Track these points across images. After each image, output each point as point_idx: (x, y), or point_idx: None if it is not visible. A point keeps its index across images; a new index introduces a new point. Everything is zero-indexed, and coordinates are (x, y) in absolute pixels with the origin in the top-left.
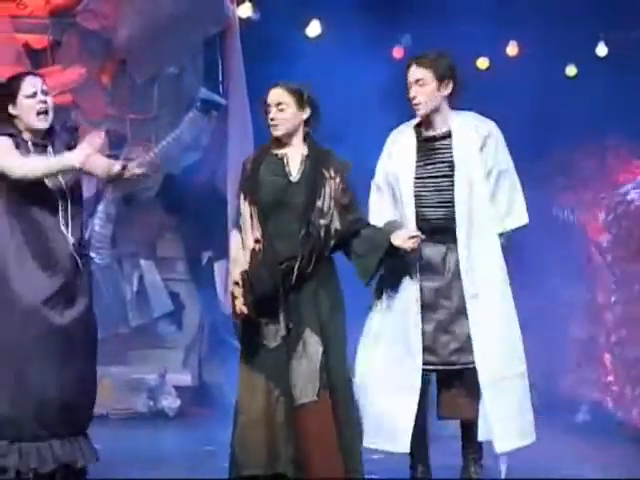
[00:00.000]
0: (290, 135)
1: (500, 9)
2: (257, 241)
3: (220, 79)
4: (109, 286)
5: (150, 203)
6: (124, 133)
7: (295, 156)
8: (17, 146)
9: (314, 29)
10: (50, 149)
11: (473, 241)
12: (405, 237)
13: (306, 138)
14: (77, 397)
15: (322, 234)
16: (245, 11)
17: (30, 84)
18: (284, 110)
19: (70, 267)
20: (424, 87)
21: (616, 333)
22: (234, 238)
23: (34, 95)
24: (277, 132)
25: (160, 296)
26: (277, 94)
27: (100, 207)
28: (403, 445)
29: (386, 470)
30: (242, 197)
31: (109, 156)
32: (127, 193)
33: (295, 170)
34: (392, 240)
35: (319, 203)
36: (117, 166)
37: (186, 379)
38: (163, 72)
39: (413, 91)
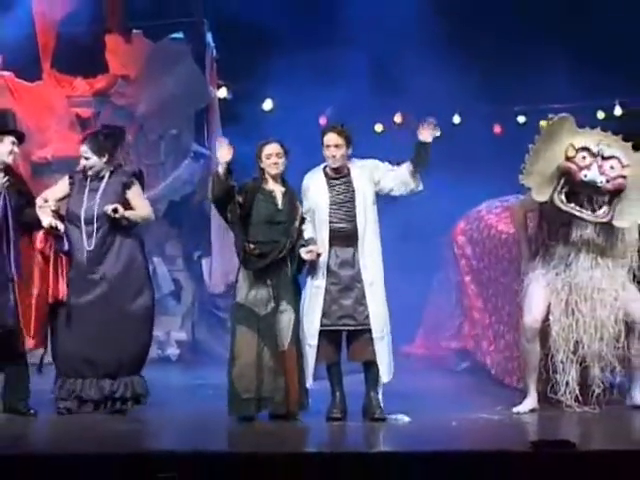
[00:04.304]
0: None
1: (389, 90)
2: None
3: (206, 137)
4: None
5: (159, 219)
6: None
7: (278, 192)
8: (72, 182)
9: (268, 105)
10: (102, 183)
11: (367, 244)
12: (305, 251)
13: (281, 180)
14: (97, 353)
15: (294, 241)
16: (222, 93)
17: (81, 150)
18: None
19: (83, 265)
20: (341, 149)
21: (472, 301)
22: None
23: (80, 157)
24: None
25: (166, 280)
26: (276, 148)
27: None
28: (309, 381)
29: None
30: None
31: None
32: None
33: (280, 201)
34: (300, 252)
35: (296, 223)
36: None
37: (183, 336)
38: (168, 133)
39: (333, 151)
